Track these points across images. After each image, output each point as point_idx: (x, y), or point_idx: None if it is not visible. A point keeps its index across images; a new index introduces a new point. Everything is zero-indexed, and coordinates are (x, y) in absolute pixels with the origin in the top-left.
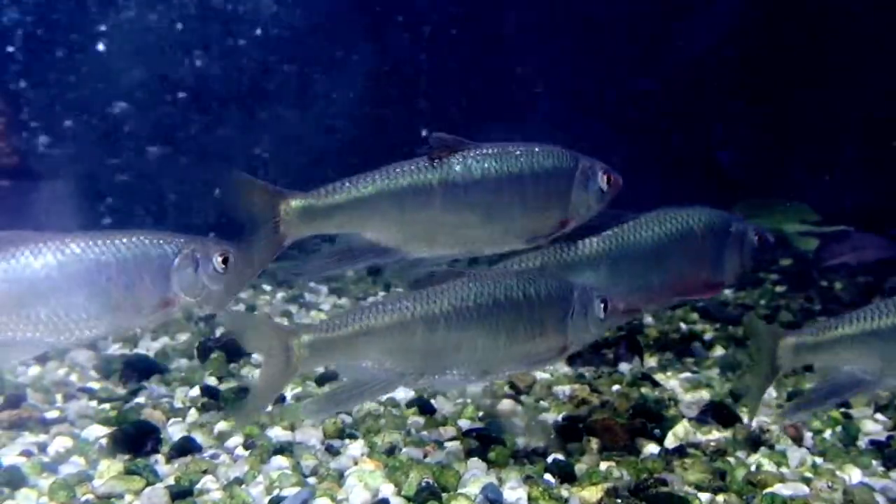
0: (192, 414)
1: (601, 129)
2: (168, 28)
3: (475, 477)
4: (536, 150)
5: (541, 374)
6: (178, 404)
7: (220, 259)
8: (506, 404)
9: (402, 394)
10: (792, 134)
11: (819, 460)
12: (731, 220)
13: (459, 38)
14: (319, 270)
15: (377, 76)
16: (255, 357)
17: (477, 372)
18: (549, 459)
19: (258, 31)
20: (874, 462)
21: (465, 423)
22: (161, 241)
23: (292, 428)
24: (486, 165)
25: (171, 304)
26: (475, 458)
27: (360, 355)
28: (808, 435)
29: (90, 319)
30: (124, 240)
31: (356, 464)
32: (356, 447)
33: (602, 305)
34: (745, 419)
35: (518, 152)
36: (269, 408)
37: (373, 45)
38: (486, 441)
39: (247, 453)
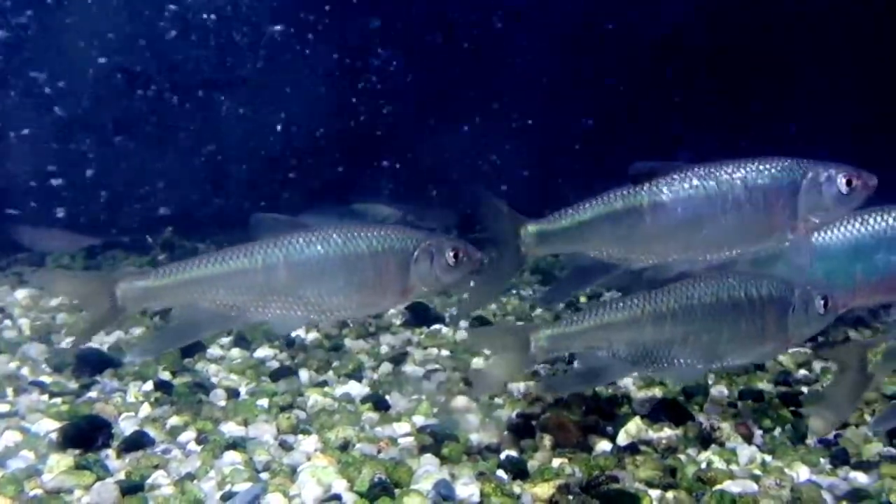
0: (145, 408)
1: (566, 129)
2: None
3: (428, 473)
4: (751, 165)
5: None
6: (130, 399)
7: (451, 254)
8: (460, 401)
9: (358, 390)
10: (751, 132)
11: (768, 458)
12: None
13: (420, 35)
14: (567, 293)
15: (334, 74)
16: (210, 352)
17: (703, 362)
18: (503, 456)
19: (214, 28)
20: (822, 460)
21: (419, 420)
22: (404, 237)
23: (246, 423)
24: (693, 185)
25: (410, 291)
26: (428, 455)
27: (594, 345)
28: (758, 433)
29: (346, 301)
30: (376, 233)
31: (309, 459)
32: (310, 443)
33: (822, 302)
34: None
35: (729, 171)
36: (223, 403)
37: (330, 42)
38: (439, 437)
39: (199, 448)
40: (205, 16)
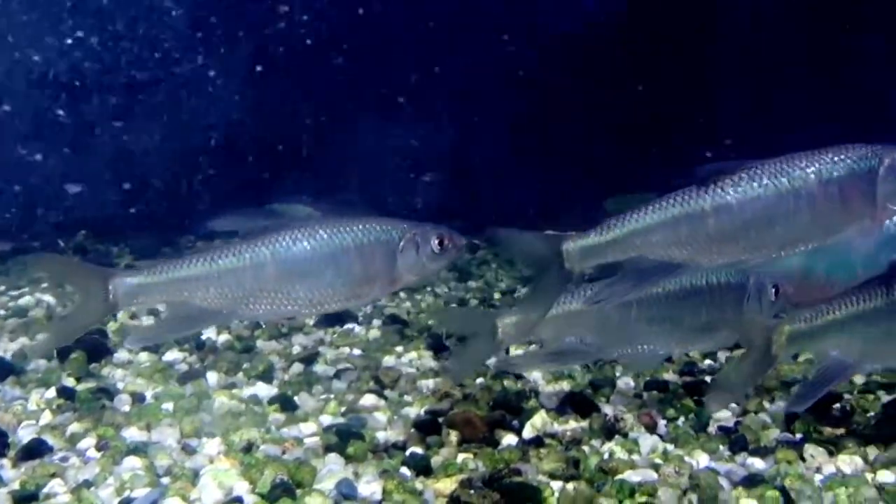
0: (46, 416)
1: (480, 124)
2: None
3: (331, 472)
4: (825, 157)
5: (407, 369)
6: (32, 406)
7: (436, 242)
8: (368, 399)
9: (266, 391)
10: (662, 128)
11: (670, 447)
12: None
13: (341, 34)
14: (620, 293)
15: (258, 72)
16: (117, 356)
17: (665, 348)
18: (408, 453)
19: (136, 26)
20: (721, 447)
21: (326, 419)
22: (389, 227)
23: (149, 428)
24: (759, 184)
25: (398, 280)
26: (333, 454)
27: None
28: (662, 423)
29: (334, 294)
30: (360, 226)
31: (212, 462)
32: (213, 445)
33: (773, 290)
34: None
35: (802, 165)
36: (127, 408)
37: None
38: (345, 436)
39: (99, 455)
40: (121, 17)
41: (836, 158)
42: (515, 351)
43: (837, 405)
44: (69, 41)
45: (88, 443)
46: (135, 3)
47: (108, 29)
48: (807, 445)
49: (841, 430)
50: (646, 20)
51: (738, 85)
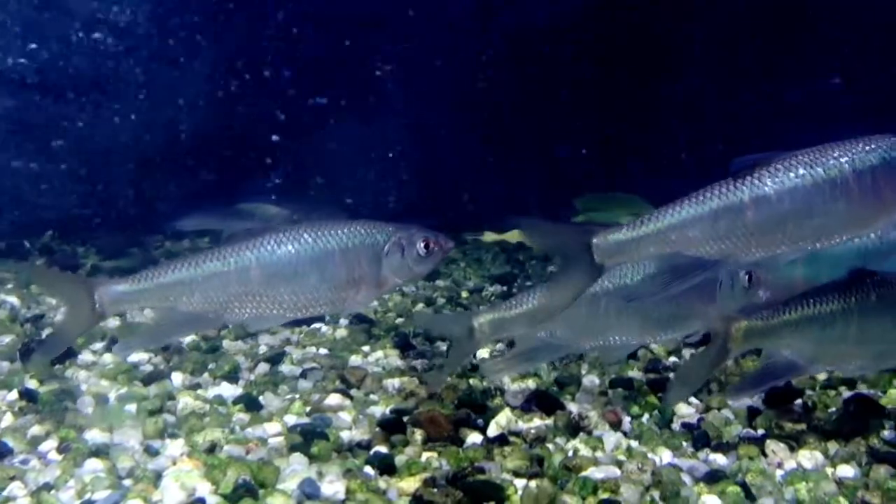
0: (8, 418)
1: (450, 124)
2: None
3: (295, 472)
4: (858, 147)
5: (373, 368)
6: None
7: (422, 245)
8: (334, 399)
9: (231, 391)
10: (628, 127)
11: (634, 444)
12: None
13: (303, 35)
14: (658, 292)
15: (224, 72)
16: (82, 358)
17: (637, 339)
18: (372, 452)
19: (100, 25)
20: (685, 443)
21: (291, 419)
22: (374, 231)
23: (111, 430)
24: (797, 174)
25: (384, 284)
26: (297, 454)
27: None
28: (626, 420)
29: (320, 298)
30: (345, 230)
31: (175, 463)
32: (176, 447)
33: (747, 278)
34: None
35: (836, 155)
36: (90, 410)
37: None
38: (309, 436)
39: (60, 457)
40: (86, 16)
41: (869, 147)
42: (481, 353)
43: (799, 401)
44: (32, 41)
45: (50, 445)
46: (102, 1)
47: (72, 28)
48: (768, 441)
49: (802, 426)
50: (611, 25)
51: (704, 87)
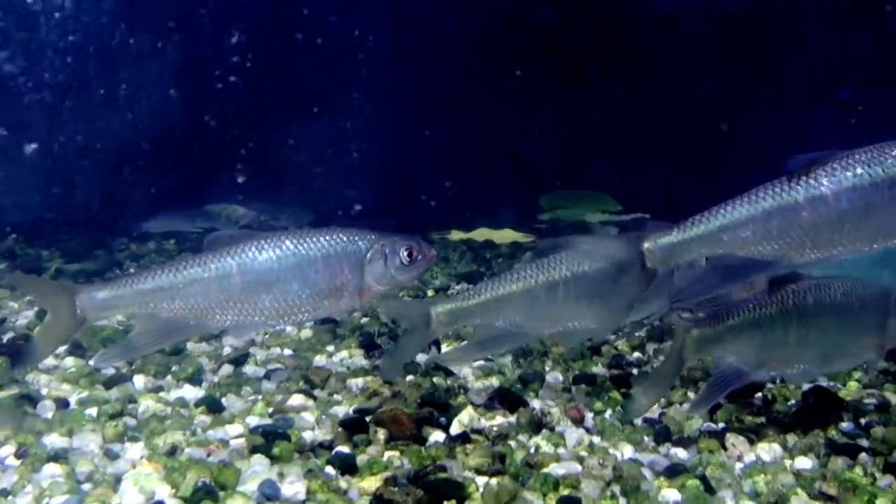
0: None
1: (417, 124)
2: None
3: (256, 474)
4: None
5: (337, 368)
6: None
7: (405, 253)
8: (297, 399)
9: (193, 393)
10: (594, 124)
11: (597, 439)
12: None
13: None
14: (705, 292)
15: (184, 75)
16: (42, 362)
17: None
18: (334, 452)
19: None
20: (646, 438)
21: (253, 420)
22: (357, 238)
23: (70, 434)
24: (853, 174)
25: (366, 292)
26: (258, 455)
27: (492, 317)
28: (589, 416)
29: (302, 306)
30: (327, 237)
31: (134, 467)
32: (136, 450)
33: None
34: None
35: (888, 153)
36: (50, 414)
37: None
38: (271, 437)
39: (18, 462)
40: (48, 18)
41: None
42: (446, 347)
43: (759, 394)
44: None
45: (7, 451)
46: (65, 4)
47: (34, 30)
48: (728, 434)
49: (762, 419)
50: (581, 24)
51: (675, 86)
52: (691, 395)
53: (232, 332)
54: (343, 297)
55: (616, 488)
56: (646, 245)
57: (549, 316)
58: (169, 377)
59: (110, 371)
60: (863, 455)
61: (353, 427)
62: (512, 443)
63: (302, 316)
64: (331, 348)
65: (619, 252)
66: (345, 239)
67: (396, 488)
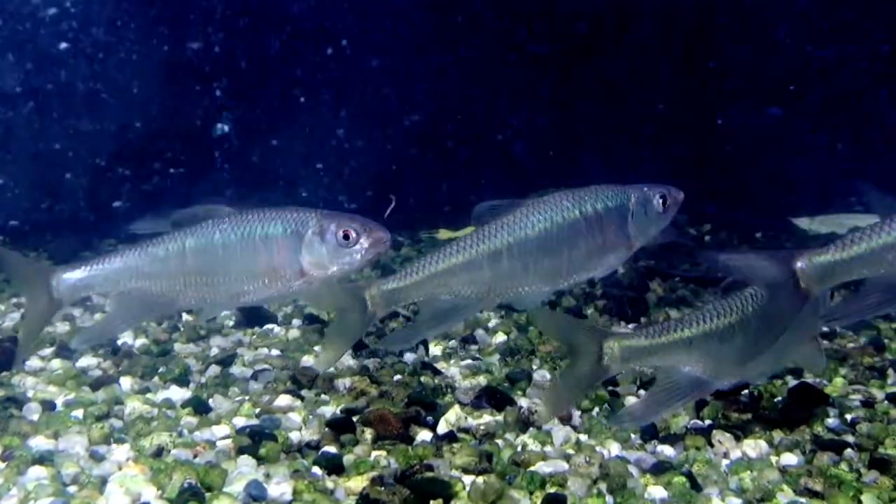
0: None
1: (399, 121)
2: None
3: (242, 475)
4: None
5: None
6: None
7: (341, 234)
8: (284, 400)
9: (180, 394)
10: (584, 123)
11: (584, 437)
12: None
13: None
14: (860, 314)
15: (170, 75)
16: (29, 364)
17: (550, 285)
18: (320, 452)
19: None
20: (633, 436)
21: (240, 421)
22: (294, 218)
23: (56, 436)
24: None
25: (306, 275)
26: (245, 456)
27: (435, 292)
28: (576, 414)
29: (248, 286)
30: (266, 216)
31: (120, 469)
32: (122, 452)
33: (661, 201)
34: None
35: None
36: (36, 417)
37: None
38: (258, 438)
39: (3, 465)
40: (26, 20)
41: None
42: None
43: (746, 391)
44: None
45: None
46: (46, 3)
47: (17, 29)
48: (715, 431)
49: (748, 416)
50: (573, 18)
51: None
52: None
53: (200, 313)
54: (282, 280)
55: (602, 486)
56: (798, 264)
57: (498, 283)
58: (156, 378)
59: (97, 373)
60: (848, 451)
61: (341, 427)
62: (499, 441)
63: (251, 296)
64: (318, 348)
65: (769, 271)
66: (281, 219)
67: (383, 488)
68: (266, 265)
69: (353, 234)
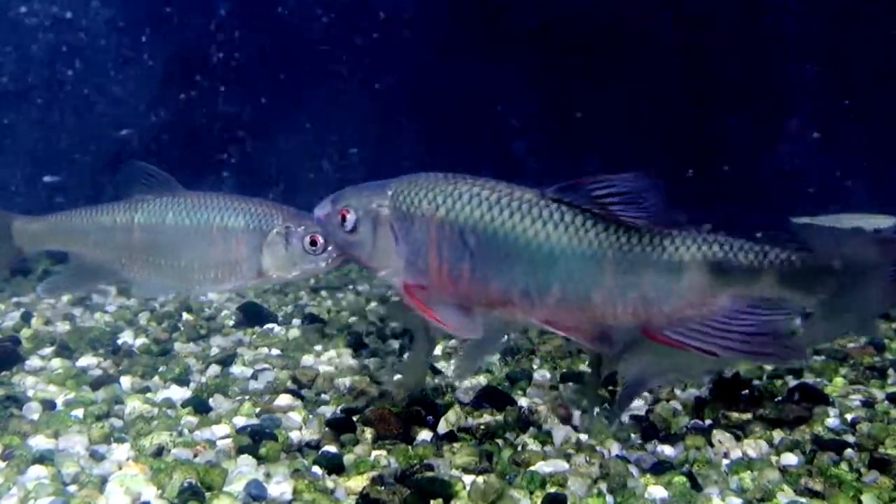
0: None
1: (403, 123)
2: None
3: (242, 474)
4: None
5: (325, 368)
6: None
7: (307, 240)
8: (284, 399)
9: (180, 394)
10: (587, 122)
11: (584, 437)
12: None
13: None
14: None
15: (172, 72)
16: (29, 363)
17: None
18: (320, 452)
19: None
20: (633, 435)
21: (241, 421)
22: (258, 216)
23: (56, 436)
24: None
25: (264, 274)
26: (245, 455)
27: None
28: (576, 414)
29: (196, 271)
30: (231, 207)
31: (120, 468)
32: (122, 451)
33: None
34: None
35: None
36: (36, 416)
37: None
38: (258, 437)
39: (3, 464)
40: (27, 19)
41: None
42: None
43: (746, 391)
44: None
45: None
46: (46, 3)
47: (13, 30)
48: (715, 431)
49: (748, 415)
50: (574, 18)
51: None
52: (678, 392)
53: (140, 288)
54: (236, 273)
55: (603, 486)
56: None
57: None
58: (156, 378)
59: (97, 372)
60: (848, 451)
61: (341, 427)
62: (499, 441)
63: (201, 284)
64: (318, 347)
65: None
66: (245, 214)
67: (383, 487)
68: (221, 257)
69: (320, 241)
